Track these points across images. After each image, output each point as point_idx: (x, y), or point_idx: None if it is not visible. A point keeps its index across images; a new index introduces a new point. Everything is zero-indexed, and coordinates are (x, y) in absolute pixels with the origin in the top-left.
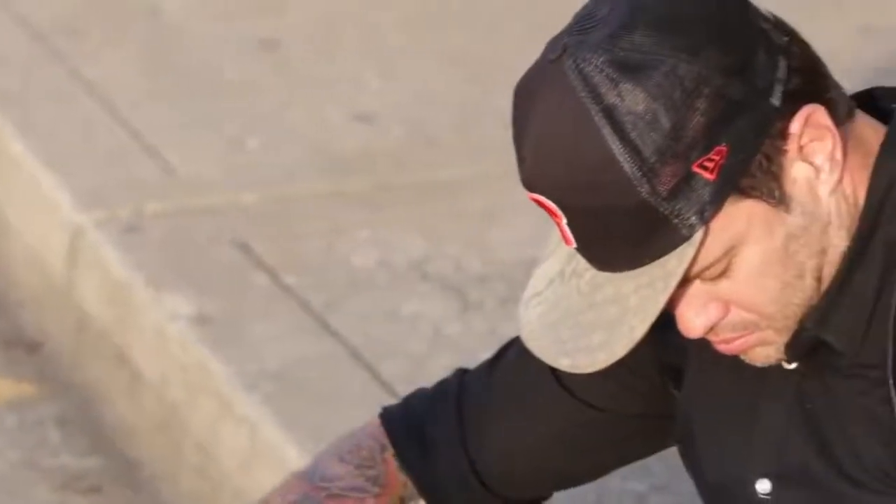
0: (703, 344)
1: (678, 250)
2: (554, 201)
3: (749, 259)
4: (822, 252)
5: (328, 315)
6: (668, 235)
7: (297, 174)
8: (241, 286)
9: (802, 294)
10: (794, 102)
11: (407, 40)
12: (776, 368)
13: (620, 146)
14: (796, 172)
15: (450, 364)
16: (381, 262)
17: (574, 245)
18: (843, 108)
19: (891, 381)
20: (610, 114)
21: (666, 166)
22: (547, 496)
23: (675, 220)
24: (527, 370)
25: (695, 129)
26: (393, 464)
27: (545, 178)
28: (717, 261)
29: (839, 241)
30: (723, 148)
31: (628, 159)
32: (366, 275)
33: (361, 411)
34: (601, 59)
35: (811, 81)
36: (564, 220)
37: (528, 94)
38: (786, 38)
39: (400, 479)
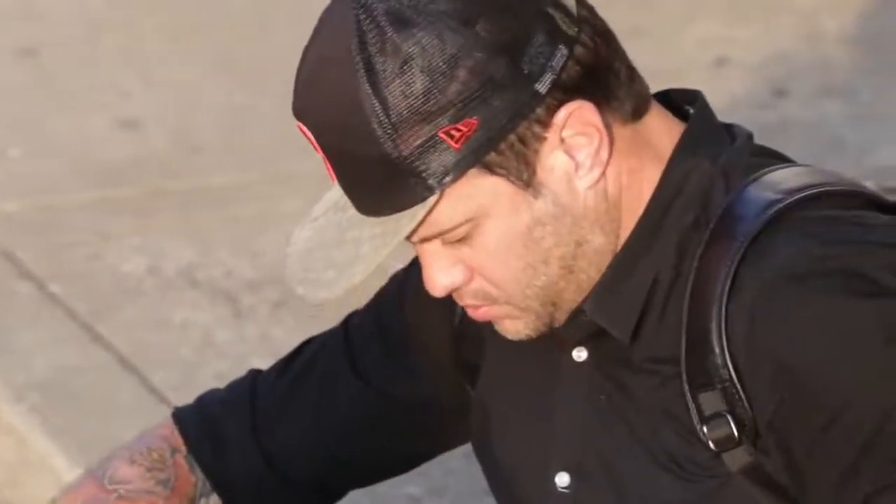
0: (499, 337)
1: (411, 210)
2: (313, 136)
3: (490, 232)
4: (576, 244)
5: (96, 323)
6: (406, 192)
7: (62, 182)
8: (6, 295)
9: (546, 279)
10: (564, 93)
11: (169, 46)
12: (569, 361)
13: (371, 96)
14: (554, 161)
15: (221, 371)
16: (150, 269)
17: (335, 182)
18: (630, 106)
19: (684, 376)
20: (369, 61)
21: (412, 126)
22: (345, 489)
23: (414, 180)
24: (321, 364)
25: (448, 96)
26: (184, 466)
27: (307, 111)
28: (456, 227)
29: (594, 238)
30: (473, 121)
31: (376, 111)
32: (134, 282)
33: (132, 420)
34: (380, 7)
35: (591, 76)
36: (323, 155)
37: (317, 25)
38: (576, 30)
39: (190, 481)
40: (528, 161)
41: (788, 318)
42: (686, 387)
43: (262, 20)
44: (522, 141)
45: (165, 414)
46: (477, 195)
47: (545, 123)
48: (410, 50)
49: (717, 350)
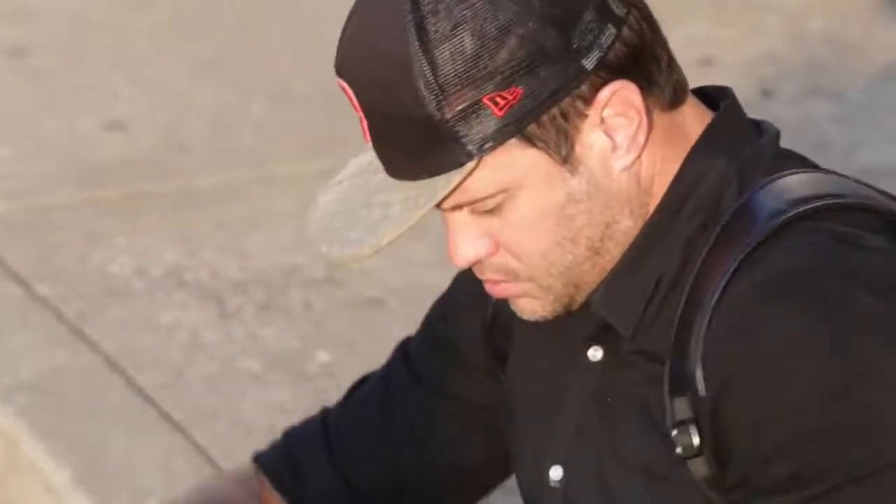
0: (525, 326)
1: (448, 174)
2: (354, 93)
3: (523, 205)
4: (605, 225)
5: (84, 325)
6: (444, 156)
7: (50, 183)
8: None
9: (573, 258)
10: (609, 72)
11: (158, 47)
12: (584, 359)
13: (420, 55)
14: (593, 140)
15: (209, 372)
16: (138, 270)
17: (369, 143)
18: (669, 95)
19: (666, 378)
20: (421, 22)
21: (458, 89)
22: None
23: (453, 145)
24: (385, 383)
25: (496, 63)
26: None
27: (350, 67)
28: (490, 196)
29: (623, 220)
30: (518, 90)
31: (423, 71)
32: (122, 283)
33: (120, 421)
34: None
35: (636, 59)
36: (362, 114)
37: None
38: (625, 11)
39: None
40: (568, 136)
41: (756, 333)
42: (666, 388)
43: (250, 21)
44: (564, 115)
45: (153, 415)
46: (514, 166)
47: (588, 100)
48: (464, 13)
49: (693, 356)
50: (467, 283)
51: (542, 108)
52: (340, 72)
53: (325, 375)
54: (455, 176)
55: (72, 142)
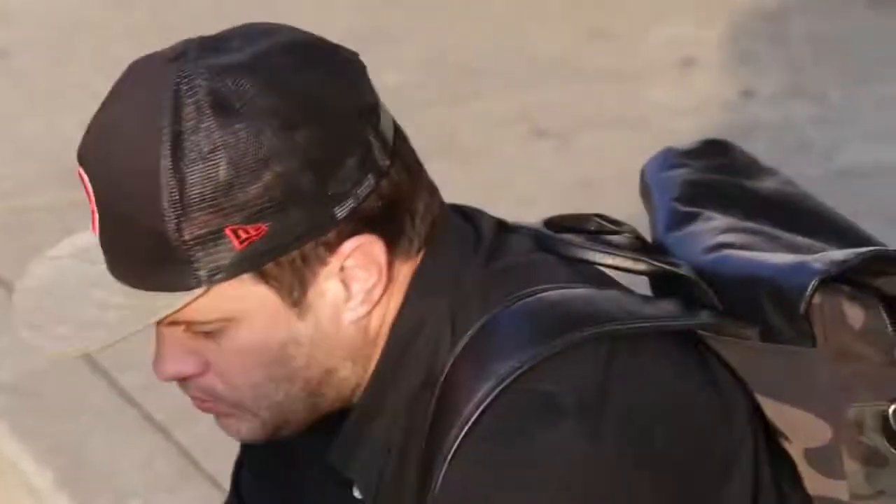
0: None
1: (172, 294)
2: (91, 186)
3: (241, 337)
4: (325, 371)
5: None
6: (173, 276)
7: (34, 185)
8: None
9: (285, 397)
10: (359, 223)
11: (140, 48)
12: (347, 498)
13: (170, 170)
14: (329, 287)
15: None
16: None
17: (95, 234)
18: (417, 245)
19: None
20: (178, 136)
21: (201, 213)
22: None
23: (184, 266)
24: None
25: (247, 196)
26: None
27: (93, 157)
28: (209, 322)
29: (343, 369)
30: (263, 227)
31: (169, 186)
32: None
33: (101, 422)
34: (205, 85)
35: (390, 213)
36: (94, 207)
37: (130, 72)
38: (387, 162)
39: None
40: (303, 280)
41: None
42: None
43: (232, 21)
44: (304, 259)
45: (135, 416)
46: (242, 300)
47: (332, 248)
48: (225, 139)
49: None
50: None
51: (284, 250)
52: (81, 158)
53: None
54: (179, 298)
55: (54, 143)
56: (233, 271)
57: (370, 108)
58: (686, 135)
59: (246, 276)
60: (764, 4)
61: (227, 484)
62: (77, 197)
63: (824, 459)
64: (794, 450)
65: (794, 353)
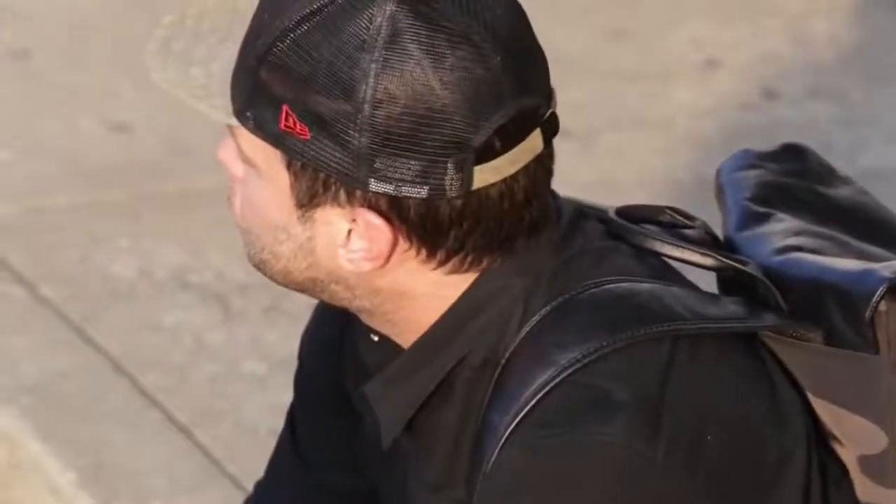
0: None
1: (229, 113)
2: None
3: (254, 186)
4: (311, 279)
5: (87, 326)
6: (243, 99)
7: (52, 185)
8: None
9: (275, 259)
10: (389, 209)
11: None
12: (395, 447)
13: (290, 29)
14: (333, 221)
15: (213, 374)
16: (142, 271)
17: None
18: (448, 268)
19: None
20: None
21: (278, 75)
22: None
23: (252, 99)
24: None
25: (316, 98)
26: None
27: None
28: (245, 155)
29: (334, 287)
30: (307, 132)
31: (279, 35)
32: (126, 285)
33: (123, 423)
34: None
35: (427, 228)
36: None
37: None
38: (455, 197)
39: None
40: (315, 197)
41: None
42: None
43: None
44: (325, 186)
45: (157, 416)
46: (268, 162)
47: (352, 202)
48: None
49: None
50: (316, 342)
51: (311, 163)
52: None
53: None
54: (232, 119)
55: (74, 144)
56: (267, 140)
57: (476, 147)
58: (708, 136)
59: (277, 154)
60: (786, 5)
61: (249, 485)
62: (98, 197)
63: (879, 467)
64: (848, 456)
65: (856, 358)
